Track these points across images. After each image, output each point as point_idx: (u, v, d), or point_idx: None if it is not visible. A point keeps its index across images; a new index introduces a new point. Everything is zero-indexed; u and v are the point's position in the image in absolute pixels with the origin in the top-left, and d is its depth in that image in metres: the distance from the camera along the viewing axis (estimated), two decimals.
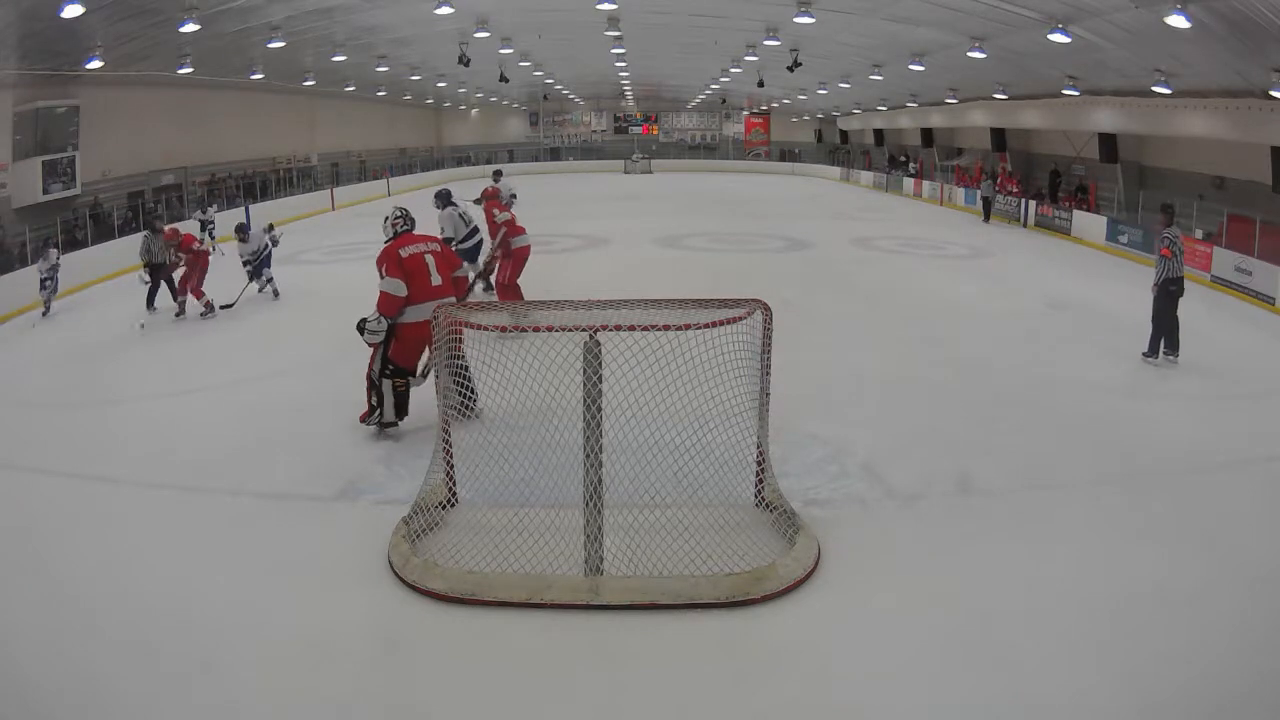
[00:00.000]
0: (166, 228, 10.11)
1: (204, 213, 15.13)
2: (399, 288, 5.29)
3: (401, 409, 5.43)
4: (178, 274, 9.62)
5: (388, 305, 5.29)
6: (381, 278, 5.36)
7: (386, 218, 5.73)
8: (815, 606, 3.55)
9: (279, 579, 3.79)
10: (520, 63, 22.78)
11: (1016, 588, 3.69)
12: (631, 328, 3.75)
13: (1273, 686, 3.07)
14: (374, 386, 5.43)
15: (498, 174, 16.33)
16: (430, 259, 5.46)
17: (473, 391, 4.45)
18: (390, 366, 5.36)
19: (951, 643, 3.30)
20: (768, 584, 3.60)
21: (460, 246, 8.66)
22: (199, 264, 9.47)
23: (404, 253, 5.41)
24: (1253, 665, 3.16)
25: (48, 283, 9.97)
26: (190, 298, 9.44)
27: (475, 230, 9.04)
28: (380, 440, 5.36)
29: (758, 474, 4.28)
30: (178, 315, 9.37)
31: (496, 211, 8.34)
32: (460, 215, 8.90)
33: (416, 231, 5.72)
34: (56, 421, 6.04)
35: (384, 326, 5.31)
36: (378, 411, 5.42)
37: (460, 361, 4.46)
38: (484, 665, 3.21)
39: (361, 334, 5.37)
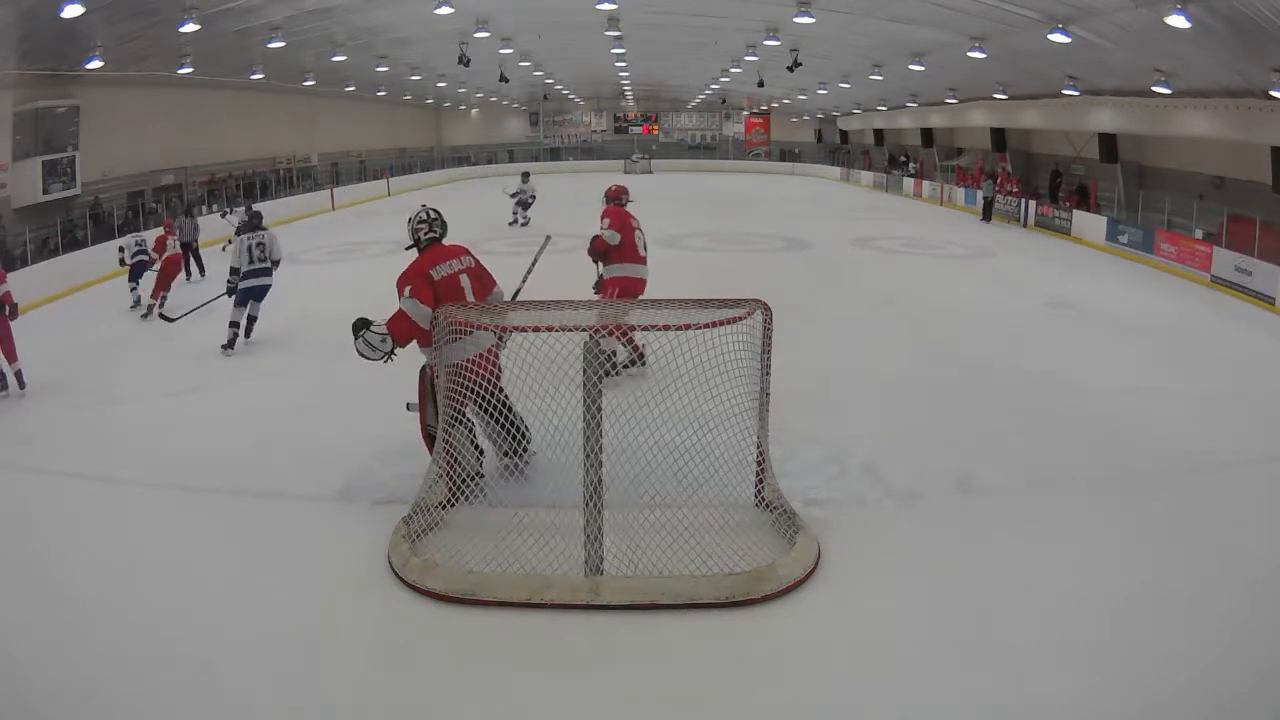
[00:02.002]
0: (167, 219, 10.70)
1: (226, 215, 15.28)
2: (424, 316, 4.20)
3: (480, 450, 4.51)
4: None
5: (401, 330, 4.28)
6: (403, 296, 4.29)
7: (412, 218, 4.58)
8: (815, 606, 3.55)
9: (279, 579, 3.78)
10: (520, 63, 22.78)
11: (1016, 588, 3.69)
12: (631, 328, 3.75)
13: (1273, 686, 3.07)
14: (435, 440, 4.32)
15: (525, 175, 16.89)
16: (465, 280, 4.43)
17: (522, 431, 4.29)
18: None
19: (951, 643, 3.30)
20: (768, 584, 3.60)
21: (246, 284, 7.70)
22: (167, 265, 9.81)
23: (436, 273, 4.35)
24: (1253, 665, 3.16)
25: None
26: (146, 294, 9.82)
27: (270, 267, 7.89)
28: (385, 442, 5.26)
29: (758, 474, 4.27)
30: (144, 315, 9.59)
31: (604, 225, 6.41)
32: (252, 246, 7.79)
33: (448, 241, 4.63)
34: (56, 421, 6.04)
35: (387, 348, 4.38)
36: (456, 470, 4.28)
37: (499, 397, 4.18)
38: (484, 665, 3.21)
39: (355, 337, 4.44)
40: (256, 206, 8.79)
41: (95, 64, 13.17)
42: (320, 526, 4.31)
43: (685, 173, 34.39)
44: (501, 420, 4.24)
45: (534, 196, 16.95)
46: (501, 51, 19.85)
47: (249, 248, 7.82)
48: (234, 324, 7.73)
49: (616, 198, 6.73)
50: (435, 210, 4.65)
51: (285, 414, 5.99)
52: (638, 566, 3.66)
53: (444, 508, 4.20)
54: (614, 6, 15.19)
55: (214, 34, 13.85)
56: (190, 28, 12.68)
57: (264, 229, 8.12)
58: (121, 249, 10.50)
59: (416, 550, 3.87)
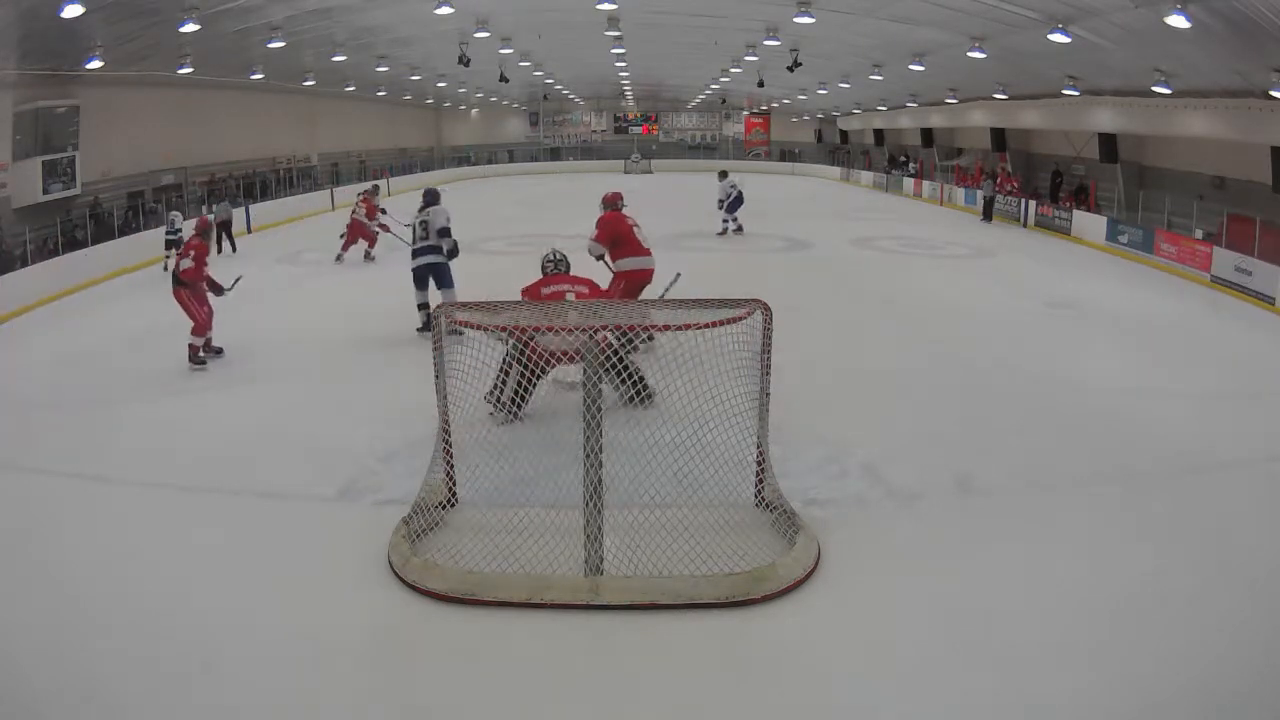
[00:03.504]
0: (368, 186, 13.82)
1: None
2: None
3: (513, 402, 4.96)
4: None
5: None
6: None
7: (543, 258, 6.04)
8: (815, 606, 3.55)
9: (279, 579, 3.78)
10: (520, 63, 22.77)
11: (1016, 588, 3.69)
12: (632, 328, 3.76)
13: (1273, 686, 3.07)
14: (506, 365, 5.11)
15: (723, 174, 16.04)
16: (570, 298, 5.46)
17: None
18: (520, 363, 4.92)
19: (951, 643, 3.30)
20: (768, 584, 3.60)
21: (413, 263, 7.79)
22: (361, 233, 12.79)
23: (547, 289, 5.60)
24: (1253, 665, 3.16)
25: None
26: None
27: (436, 244, 7.74)
28: (385, 442, 5.31)
29: (758, 474, 4.28)
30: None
31: (591, 236, 7.38)
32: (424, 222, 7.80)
33: (572, 273, 5.94)
34: (56, 421, 6.04)
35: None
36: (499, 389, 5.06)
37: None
38: (484, 665, 3.21)
39: None
40: (441, 187, 8.74)
41: (95, 64, 13.15)
42: (320, 526, 4.31)
43: (685, 173, 34.38)
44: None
45: (738, 198, 15.16)
46: (501, 51, 19.84)
47: (414, 225, 7.98)
48: (420, 306, 7.97)
49: (612, 203, 7.54)
50: (562, 254, 6.08)
51: (285, 414, 5.99)
52: (638, 566, 3.66)
53: (444, 508, 4.21)
54: (614, 6, 15.19)
55: (214, 34, 13.85)
56: (190, 28, 12.67)
57: (432, 206, 7.96)
58: (171, 230, 12.70)
59: (416, 550, 3.87)
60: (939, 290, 10.61)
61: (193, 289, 7.22)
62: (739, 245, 14.23)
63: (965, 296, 10.21)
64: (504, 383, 5.07)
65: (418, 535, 3.98)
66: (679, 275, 6.72)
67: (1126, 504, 4.56)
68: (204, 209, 15.32)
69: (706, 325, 3.96)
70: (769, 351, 4.14)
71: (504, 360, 4.99)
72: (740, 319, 4.06)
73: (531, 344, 4.55)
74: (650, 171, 34.68)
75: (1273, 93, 10.68)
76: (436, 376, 4.10)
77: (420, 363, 5.22)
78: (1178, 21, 9.66)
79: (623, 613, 3.48)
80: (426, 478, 4.27)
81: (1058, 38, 12.12)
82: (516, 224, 16.83)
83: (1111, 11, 10.77)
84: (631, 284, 7.14)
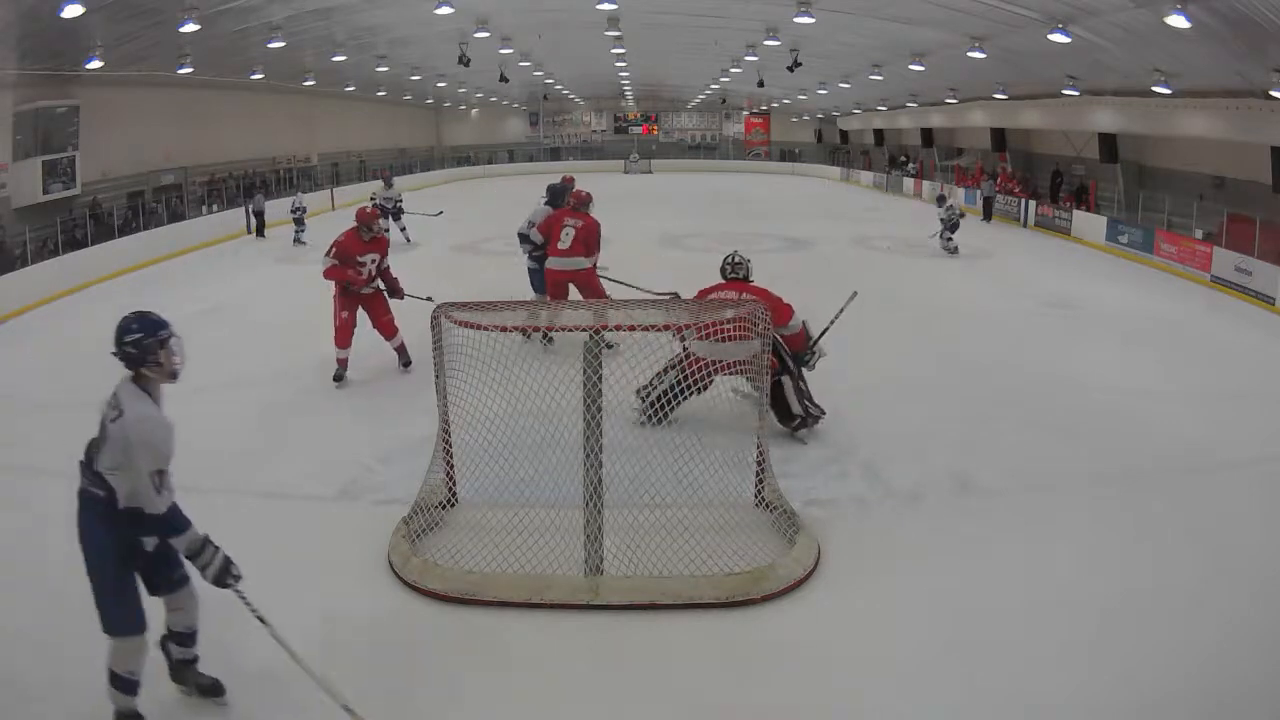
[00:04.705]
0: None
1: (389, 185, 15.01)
2: None
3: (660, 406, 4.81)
4: None
5: None
6: None
7: (725, 258, 5.70)
8: (815, 607, 3.55)
9: (279, 579, 3.75)
10: (520, 63, 22.77)
11: (1016, 587, 3.70)
12: (631, 328, 3.76)
13: (1273, 686, 3.07)
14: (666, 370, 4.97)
15: (941, 199, 14.92)
16: None
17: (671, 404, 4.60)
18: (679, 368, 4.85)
19: (951, 643, 3.30)
20: (768, 584, 3.60)
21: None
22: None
23: (710, 298, 5.33)
24: (1252, 665, 3.16)
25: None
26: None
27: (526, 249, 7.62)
28: (385, 442, 5.32)
29: (758, 474, 4.28)
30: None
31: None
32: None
33: (747, 280, 5.60)
34: (56, 421, 6.02)
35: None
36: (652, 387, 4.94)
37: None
38: (484, 665, 3.21)
39: None
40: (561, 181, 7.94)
41: (95, 64, 13.15)
42: (320, 526, 4.31)
43: (685, 173, 34.38)
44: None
45: (961, 213, 14.23)
46: (501, 51, 19.83)
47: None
48: None
49: (569, 199, 7.50)
50: (742, 258, 5.70)
51: (285, 414, 5.98)
52: (638, 566, 3.66)
53: (444, 508, 4.20)
54: (614, 6, 15.18)
55: (214, 34, 13.85)
56: (190, 28, 12.66)
57: (540, 205, 7.61)
58: (294, 209, 15.14)
59: (416, 550, 3.87)
60: (939, 290, 10.61)
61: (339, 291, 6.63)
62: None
63: (965, 296, 10.21)
64: (657, 382, 4.91)
65: (418, 535, 3.99)
66: (855, 294, 6.43)
67: (1126, 504, 4.56)
68: (204, 208, 15.34)
69: (707, 326, 3.97)
70: (769, 351, 4.14)
71: (667, 363, 4.87)
72: (740, 319, 4.06)
73: (695, 354, 4.52)
74: (650, 171, 34.68)
75: (1273, 93, 10.67)
76: (436, 376, 4.10)
77: (421, 362, 5.23)
78: (1178, 21, 9.66)
79: (623, 613, 3.49)
80: (426, 478, 4.27)
81: (1058, 38, 12.12)
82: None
83: (1111, 11, 10.77)
84: (547, 283, 7.24)
